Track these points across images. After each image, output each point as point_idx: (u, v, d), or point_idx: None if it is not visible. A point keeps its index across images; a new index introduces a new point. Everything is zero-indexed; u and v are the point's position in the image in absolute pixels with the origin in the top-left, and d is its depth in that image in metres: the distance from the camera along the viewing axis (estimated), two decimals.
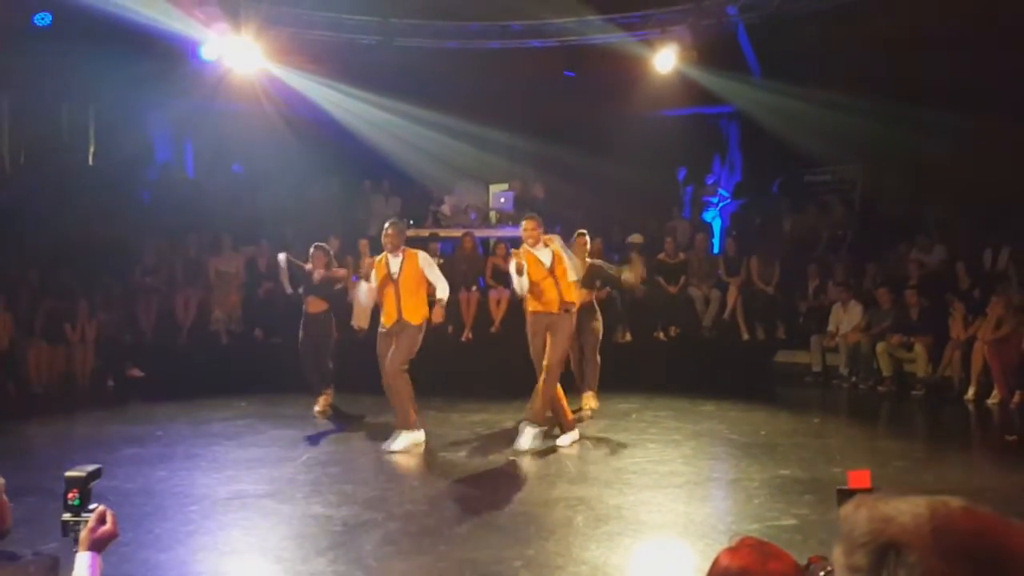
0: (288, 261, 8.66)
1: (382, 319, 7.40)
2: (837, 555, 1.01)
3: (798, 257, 12.11)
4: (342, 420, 8.43)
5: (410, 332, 7.24)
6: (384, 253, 7.44)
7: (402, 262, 7.33)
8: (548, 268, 7.23)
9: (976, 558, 0.93)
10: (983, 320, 9.49)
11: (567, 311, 7.26)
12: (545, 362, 7.15)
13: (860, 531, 0.97)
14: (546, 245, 7.34)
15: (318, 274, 8.49)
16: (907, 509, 0.97)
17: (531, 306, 7.32)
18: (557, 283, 7.23)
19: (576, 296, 7.40)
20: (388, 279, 7.29)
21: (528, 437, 7.08)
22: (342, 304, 9.30)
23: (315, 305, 8.67)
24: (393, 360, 7.18)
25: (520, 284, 7.07)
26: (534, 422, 7.14)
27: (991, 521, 0.97)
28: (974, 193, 11.23)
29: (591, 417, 8.35)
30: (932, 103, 10.36)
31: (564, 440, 7.26)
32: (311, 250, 8.73)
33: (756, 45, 12.48)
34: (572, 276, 7.38)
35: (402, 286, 7.27)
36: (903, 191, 12.37)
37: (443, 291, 7.36)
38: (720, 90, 12.70)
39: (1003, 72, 10.46)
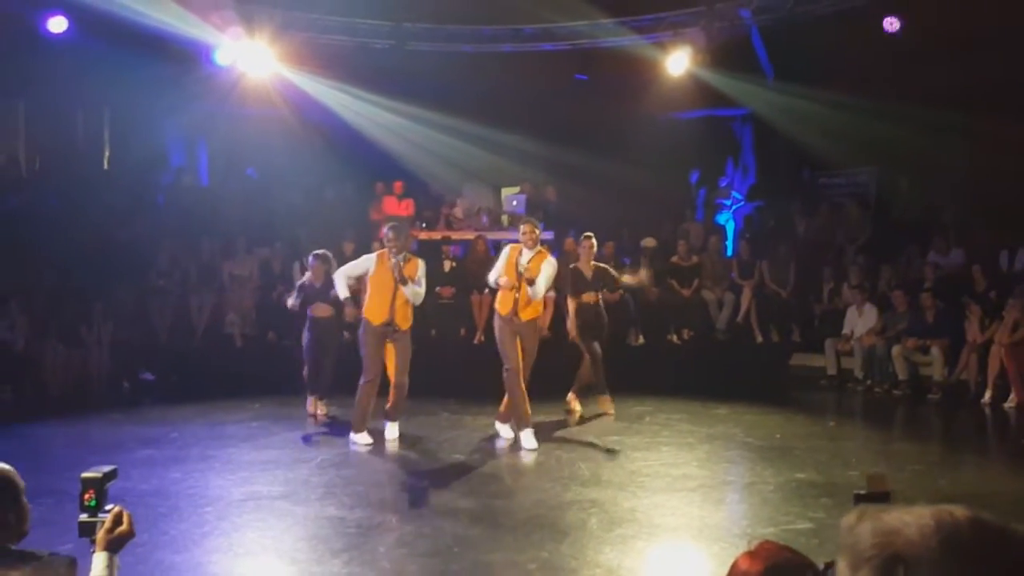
0: (296, 296, 8.70)
1: (370, 315, 7.34)
2: (842, 568, 1.00)
3: (812, 260, 12.06)
4: None
5: (406, 339, 7.39)
6: (385, 250, 7.39)
7: (403, 266, 7.30)
8: (517, 275, 7.24)
9: (986, 567, 0.92)
10: (1000, 323, 9.42)
11: (518, 319, 7.32)
12: (523, 370, 7.30)
13: (865, 545, 0.97)
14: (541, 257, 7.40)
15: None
16: (912, 521, 0.96)
17: (497, 304, 7.50)
18: (517, 295, 7.28)
19: (531, 314, 7.38)
20: (392, 279, 7.26)
21: (527, 436, 7.27)
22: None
23: (321, 310, 8.66)
24: (402, 370, 7.35)
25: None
26: (525, 424, 7.32)
27: (998, 529, 0.95)
28: (990, 195, 11.14)
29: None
30: (947, 105, 10.29)
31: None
32: (310, 259, 8.76)
33: (769, 47, 12.44)
34: (536, 292, 7.31)
35: (400, 291, 7.27)
36: (918, 193, 12.30)
37: (417, 298, 7.41)
38: (733, 93, 12.66)
39: (1019, 73, 10.38)
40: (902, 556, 0.94)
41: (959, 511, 0.97)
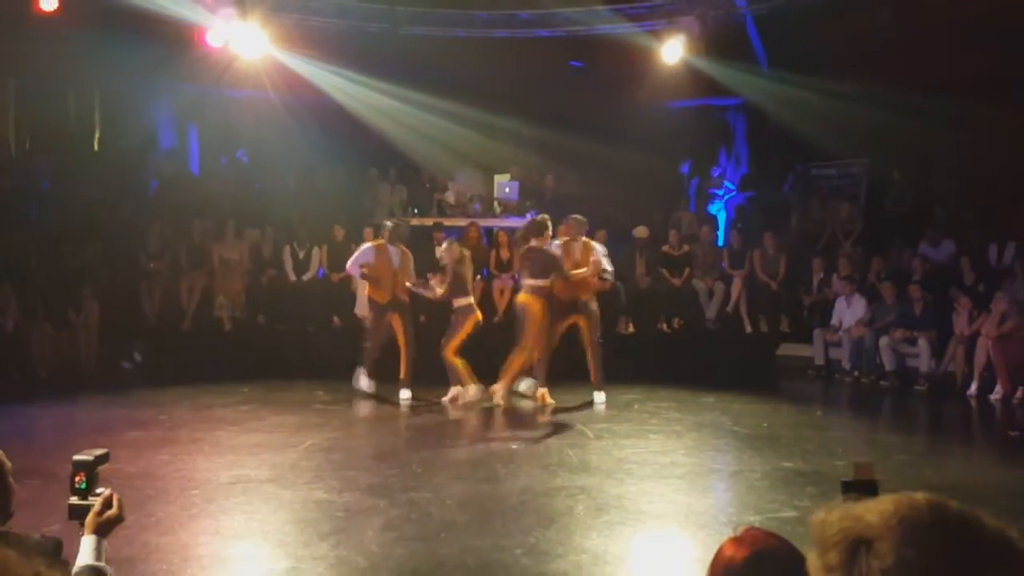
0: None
1: (376, 297, 8.92)
2: (812, 559, 1.03)
3: (803, 250, 12.09)
4: (345, 406, 8.46)
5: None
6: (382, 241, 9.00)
7: (400, 256, 8.94)
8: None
9: (943, 544, 0.96)
10: (987, 315, 9.47)
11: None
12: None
13: (832, 531, 1.01)
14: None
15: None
16: (874, 507, 1.02)
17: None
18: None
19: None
20: (388, 268, 8.83)
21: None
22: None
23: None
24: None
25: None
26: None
27: (957, 512, 1.00)
28: (980, 187, 11.18)
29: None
30: (940, 96, 10.31)
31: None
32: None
33: (764, 37, 12.42)
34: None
35: (399, 276, 8.92)
36: (909, 185, 12.32)
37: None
38: (727, 82, 12.65)
39: (1012, 64, 10.40)
40: (864, 537, 0.98)
41: (919, 495, 1.01)
